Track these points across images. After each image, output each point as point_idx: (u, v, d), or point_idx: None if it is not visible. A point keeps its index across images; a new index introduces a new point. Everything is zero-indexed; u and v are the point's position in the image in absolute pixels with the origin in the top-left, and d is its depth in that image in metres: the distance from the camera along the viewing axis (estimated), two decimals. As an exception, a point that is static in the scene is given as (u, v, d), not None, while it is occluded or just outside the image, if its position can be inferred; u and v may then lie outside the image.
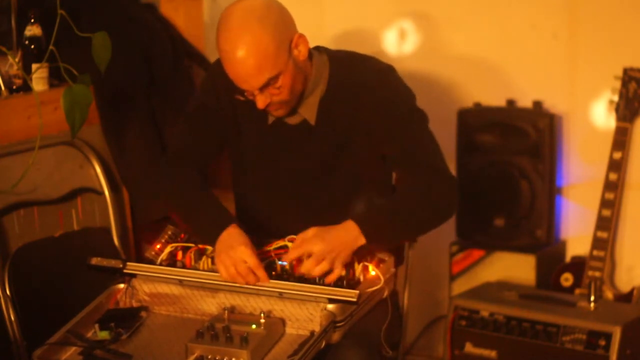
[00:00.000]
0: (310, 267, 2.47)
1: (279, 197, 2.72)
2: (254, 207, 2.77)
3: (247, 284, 2.47)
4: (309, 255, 2.47)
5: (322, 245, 2.47)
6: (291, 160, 2.69)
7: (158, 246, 2.65)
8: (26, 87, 3.15)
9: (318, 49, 2.70)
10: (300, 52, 2.55)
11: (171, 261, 2.62)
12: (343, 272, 2.50)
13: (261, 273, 2.47)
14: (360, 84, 2.64)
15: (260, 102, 2.54)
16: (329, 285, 2.44)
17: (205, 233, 2.60)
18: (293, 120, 2.67)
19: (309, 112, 2.65)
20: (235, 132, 2.74)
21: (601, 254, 3.57)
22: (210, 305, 2.50)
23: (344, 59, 2.70)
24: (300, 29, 2.60)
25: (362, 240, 2.50)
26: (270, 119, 2.68)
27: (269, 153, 2.71)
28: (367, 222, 2.53)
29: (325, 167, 2.67)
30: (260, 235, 2.61)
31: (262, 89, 2.52)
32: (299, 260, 2.50)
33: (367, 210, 2.61)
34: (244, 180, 2.79)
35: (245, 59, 2.47)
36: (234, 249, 2.49)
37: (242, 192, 2.82)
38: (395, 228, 2.58)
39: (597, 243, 3.58)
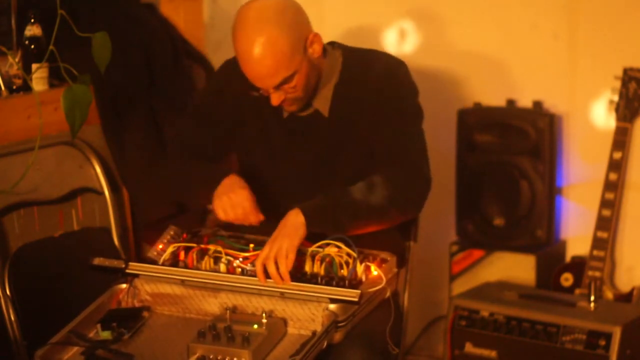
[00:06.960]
0: (259, 269, 2.47)
1: (293, 187, 2.74)
2: (268, 197, 2.76)
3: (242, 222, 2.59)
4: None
5: (267, 247, 2.49)
6: (305, 150, 2.73)
7: (160, 246, 2.65)
8: (26, 87, 3.15)
9: (332, 44, 2.75)
10: (315, 51, 2.61)
11: (173, 261, 2.62)
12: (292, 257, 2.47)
13: (254, 218, 2.59)
14: (368, 76, 2.69)
15: (275, 99, 2.60)
16: (327, 284, 2.44)
17: (206, 184, 2.65)
18: (306, 112, 2.72)
19: (322, 104, 2.71)
20: (243, 129, 2.77)
21: (601, 254, 3.57)
22: (212, 305, 2.50)
23: (357, 54, 2.75)
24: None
25: (300, 218, 2.51)
26: (285, 113, 2.72)
27: (284, 145, 2.74)
28: (308, 203, 2.54)
29: (338, 156, 2.71)
30: (277, 222, 2.60)
31: (277, 87, 2.58)
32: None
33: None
34: (257, 171, 2.79)
35: (262, 59, 2.52)
36: (234, 192, 2.58)
37: (256, 183, 2.81)
38: (341, 211, 2.56)
39: (597, 243, 3.58)
